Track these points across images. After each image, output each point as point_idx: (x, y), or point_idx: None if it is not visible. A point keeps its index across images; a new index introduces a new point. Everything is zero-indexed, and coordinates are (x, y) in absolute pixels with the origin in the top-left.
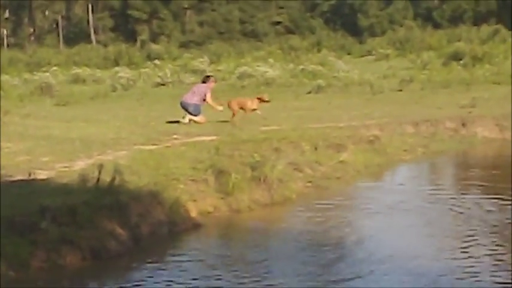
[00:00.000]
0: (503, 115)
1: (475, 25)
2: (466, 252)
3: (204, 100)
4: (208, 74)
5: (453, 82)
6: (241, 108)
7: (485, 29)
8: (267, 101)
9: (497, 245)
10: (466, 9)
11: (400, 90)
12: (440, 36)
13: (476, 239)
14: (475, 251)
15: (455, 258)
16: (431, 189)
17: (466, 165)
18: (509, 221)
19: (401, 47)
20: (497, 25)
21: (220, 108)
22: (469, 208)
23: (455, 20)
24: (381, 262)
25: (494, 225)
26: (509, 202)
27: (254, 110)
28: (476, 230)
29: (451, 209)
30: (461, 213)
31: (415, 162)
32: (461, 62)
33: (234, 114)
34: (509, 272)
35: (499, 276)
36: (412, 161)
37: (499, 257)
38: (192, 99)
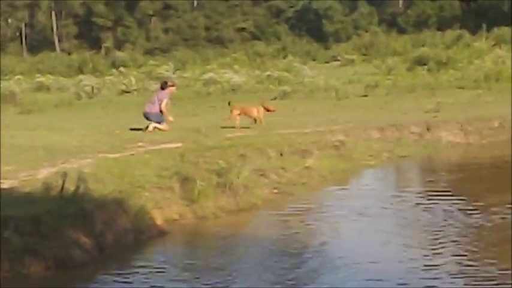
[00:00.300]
0: (467, 120)
1: (439, 30)
2: (433, 257)
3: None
4: (166, 79)
5: (418, 87)
6: (245, 114)
7: (450, 34)
8: (272, 111)
9: (463, 249)
10: (430, 14)
11: (366, 96)
12: (405, 42)
13: (442, 244)
14: (441, 255)
15: (421, 264)
16: (397, 194)
17: (431, 169)
18: (476, 224)
19: (366, 53)
20: (461, 30)
21: (171, 118)
22: (435, 212)
23: (420, 25)
24: (348, 267)
25: (460, 229)
26: (476, 206)
27: (258, 117)
28: (442, 234)
29: (417, 214)
30: (427, 217)
31: (381, 167)
32: (425, 67)
33: (230, 118)
34: (474, 277)
35: (464, 282)
36: (378, 166)
37: (465, 261)
38: (153, 108)
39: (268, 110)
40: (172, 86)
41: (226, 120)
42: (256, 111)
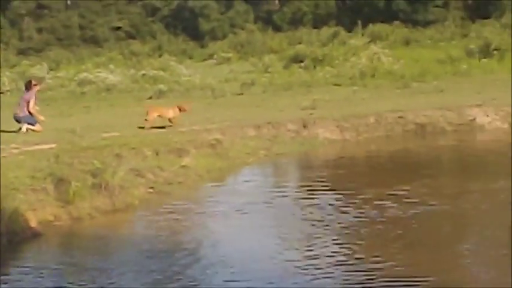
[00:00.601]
0: (343, 116)
1: (315, 28)
2: (311, 252)
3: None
4: (30, 79)
5: (294, 84)
6: (160, 116)
7: (325, 32)
8: (187, 110)
9: (344, 245)
10: (306, 12)
11: (242, 94)
12: (281, 39)
13: (321, 239)
14: (320, 251)
15: (300, 260)
16: (275, 191)
17: (309, 166)
18: (356, 219)
19: (242, 51)
20: (336, 27)
21: (42, 118)
22: (313, 208)
23: (296, 22)
24: (228, 267)
25: (340, 225)
26: (355, 201)
27: (174, 118)
28: (321, 229)
29: (296, 210)
30: (306, 214)
31: (258, 165)
32: (302, 64)
33: (149, 120)
34: (352, 273)
35: (345, 277)
36: (255, 164)
37: (343, 257)
38: (22, 111)
39: (184, 110)
40: (36, 85)
41: (147, 123)
42: (172, 112)
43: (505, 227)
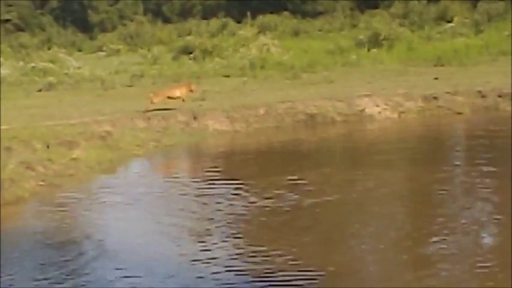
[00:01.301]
0: (233, 107)
1: (204, 19)
2: (207, 243)
3: None
4: None
5: (184, 76)
6: (169, 97)
7: (215, 23)
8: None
9: (238, 235)
10: (195, 3)
11: (132, 86)
12: (170, 31)
13: (216, 230)
14: (216, 242)
15: (196, 251)
16: (166, 182)
17: (200, 157)
18: (248, 210)
19: (132, 42)
20: (225, 18)
21: None
22: (207, 198)
23: (185, 14)
24: (118, 258)
25: (235, 215)
26: (248, 191)
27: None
28: (215, 221)
29: (188, 201)
30: (199, 204)
31: (148, 156)
32: (191, 55)
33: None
34: (248, 264)
35: (236, 267)
36: (145, 156)
37: (240, 247)
38: None
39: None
40: None
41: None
42: (179, 92)
43: (396, 214)
